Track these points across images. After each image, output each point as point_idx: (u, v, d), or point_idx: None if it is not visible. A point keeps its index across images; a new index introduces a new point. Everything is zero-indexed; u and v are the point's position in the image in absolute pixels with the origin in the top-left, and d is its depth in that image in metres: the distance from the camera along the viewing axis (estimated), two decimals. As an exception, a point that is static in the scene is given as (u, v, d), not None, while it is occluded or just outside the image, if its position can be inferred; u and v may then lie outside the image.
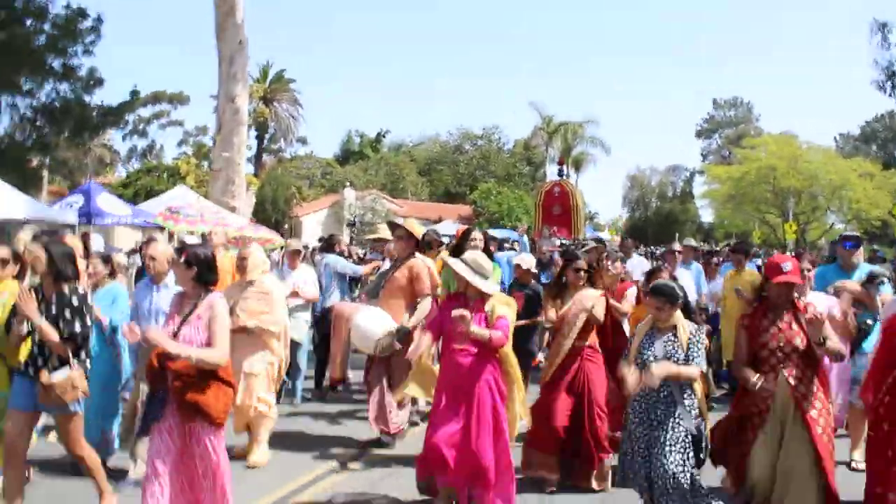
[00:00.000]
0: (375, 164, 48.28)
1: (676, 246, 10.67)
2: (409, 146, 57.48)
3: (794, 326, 4.97)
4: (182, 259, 4.67)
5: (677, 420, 4.97)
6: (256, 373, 6.79)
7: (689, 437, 4.99)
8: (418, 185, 47.66)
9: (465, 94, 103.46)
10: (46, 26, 21.88)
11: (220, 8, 17.40)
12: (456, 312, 5.15)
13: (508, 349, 5.53)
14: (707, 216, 57.80)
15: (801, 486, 4.80)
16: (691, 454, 4.95)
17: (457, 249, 7.01)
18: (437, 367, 6.01)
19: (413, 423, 7.76)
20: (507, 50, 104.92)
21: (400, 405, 7.23)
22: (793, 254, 11.51)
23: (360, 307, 7.37)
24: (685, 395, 5.02)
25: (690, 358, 4.97)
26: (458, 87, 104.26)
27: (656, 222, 61.59)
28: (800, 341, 4.92)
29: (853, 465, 6.53)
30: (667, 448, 4.90)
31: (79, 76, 22.33)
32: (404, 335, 6.82)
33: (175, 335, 4.50)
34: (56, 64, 21.94)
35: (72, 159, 30.89)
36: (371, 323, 6.86)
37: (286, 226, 35.41)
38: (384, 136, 58.07)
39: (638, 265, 10.92)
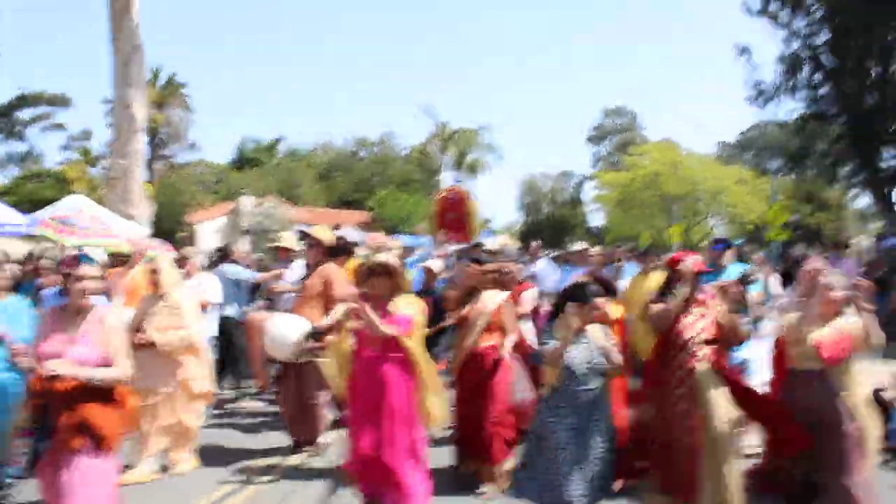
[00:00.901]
0: (271, 171, 47.86)
1: (578, 246, 10.84)
2: (305, 153, 57.18)
3: (705, 318, 5.32)
4: (75, 272, 4.54)
5: (600, 424, 5.22)
6: (172, 390, 6.74)
7: (611, 437, 5.28)
8: (315, 192, 47.49)
9: (360, 100, 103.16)
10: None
11: (114, 10, 16.98)
12: (359, 311, 5.34)
13: (417, 347, 5.55)
14: (597, 220, 59.64)
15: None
16: (611, 456, 5.25)
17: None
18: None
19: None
20: (401, 55, 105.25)
21: (317, 414, 7.31)
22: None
23: (271, 315, 7.34)
24: (606, 395, 5.34)
25: (610, 358, 5.30)
26: (352, 95, 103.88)
27: (549, 226, 63.08)
28: (710, 332, 5.28)
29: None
30: (601, 449, 5.16)
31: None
32: (318, 335, 6.74)
33: (57, 355, 4.27)
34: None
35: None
36: (284, 329, 6.81)
37: (180, 234, 34.70)
38: (279, 143, 57.68)
39: (546, 268, 10.98)
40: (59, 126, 46.75)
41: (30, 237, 17.51)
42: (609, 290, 6.39)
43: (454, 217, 11.28)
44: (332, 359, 6.08)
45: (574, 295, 5.45)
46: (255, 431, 8.54)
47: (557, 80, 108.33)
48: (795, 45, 24.05)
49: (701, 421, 5.11)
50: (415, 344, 5.51)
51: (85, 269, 4.59)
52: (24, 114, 41.98)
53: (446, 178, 53.28)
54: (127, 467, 6.26)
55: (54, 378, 4.19)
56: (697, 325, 5.31)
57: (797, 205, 40.80)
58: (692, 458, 5.08)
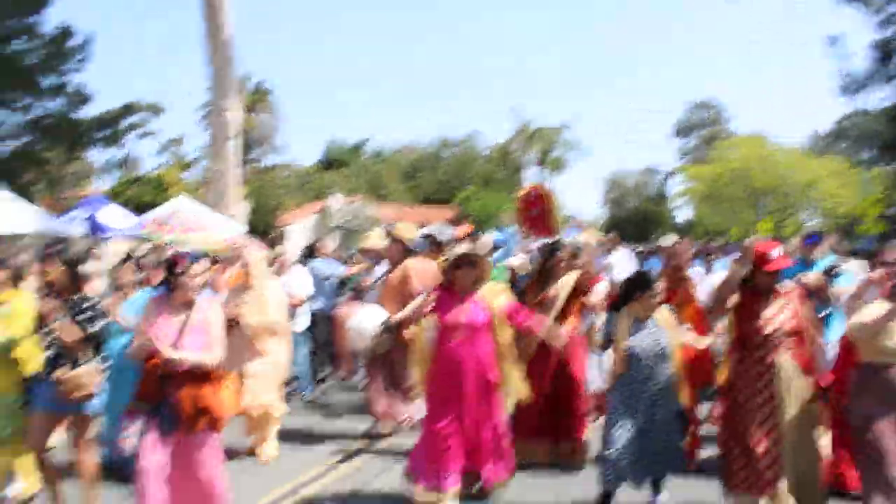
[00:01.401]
0: (357, 172, 48.90)
1: (669, 240, 10.96)
2: (390, 153, 58.24)
3: (787, 311, 5.23)
4: (181, 267, 4.87)
5: (664, 405, 5.39)
6: (258, 374, 6.98)
7: (676, 417, 5.45)
8: (400, 192, 48.34)
9: (446, 99, 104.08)
10: (37, 44, 22.40)
11: (209, 25, 17.89)
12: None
13: (508, 332, 5.72)
14: (684, 215, 58.73)
15: (809, 461, 5.06)
16: (678, 434, 5.46)
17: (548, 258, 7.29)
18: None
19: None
20: (485, 53, 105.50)
21: (407, 397, 7.49)
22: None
23: (358, 309, 7.67)
24: (672, 378, 5.45)
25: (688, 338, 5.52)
26: (438, 94, 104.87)
27: (634, 222, 62.41)
28: (791, 325, 5.19)
29: None
30: (658, 433, 5.32)
31: (69, 92, 22.84)
32: (391, 328, 7.08)
33: (174, 345, 4.69)
34: (47, 81, 22.46)
35: (53, 172, 31.27)
36: (364, 322, 7.20)
37: (272, 234, 35.79)
38: (365, 144, 58.68)
39: (621, 259, 11.15)
40: (153, 133, 49.07)
41: (138, 238, 18.52)
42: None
43: (537, 213, 11.37)
44: (413, 349, 6.20)
45: (636, 283, 5.59)
46: (338, 417, 8.93)
47: (642, 74, 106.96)
48: (889, 31, 23.30)
49: (781, 414, 5.08)
50: (505, 331, 5.69)
51: (195, 267, 4.96)
52: (124, 122, 43.81)
53: (530, 176, 53.54)
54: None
55: (172, 362, 4.59)
56: (778, 319, 5.21)
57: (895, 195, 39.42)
58: (772, 451, 5.05)
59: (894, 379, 4.85)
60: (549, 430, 6.60)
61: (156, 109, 48.01)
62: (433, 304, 5.73)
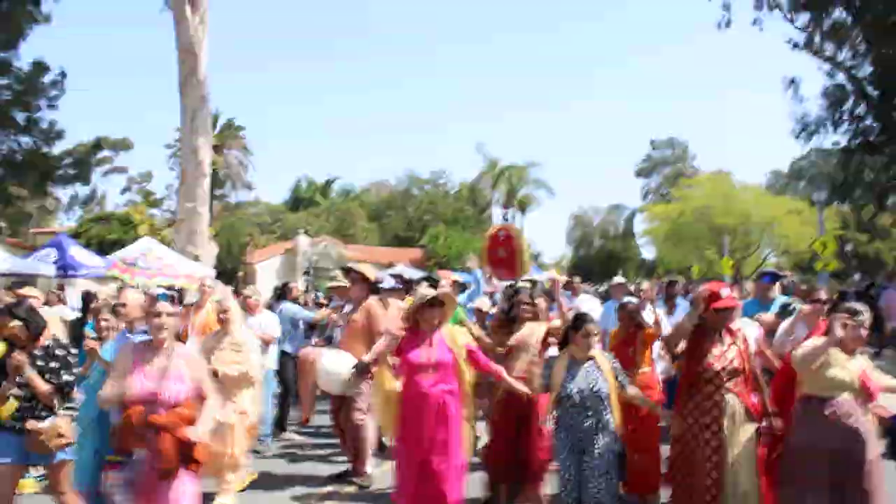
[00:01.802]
0: (326, 211, 49.13)
1: (617, 280, 11.14)
2: (358, 191, 58.54)
3: (734, 349, 5.44)
4: (166, 309, 4.73)
5: (601, 446, 5.38)
6: (231, 422, 6.87)
7: (613, 458, 5.44)
8: (368, 231, 48.63)
9: (410, 137, 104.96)
10: (9, 80, 22.48)
11: (184, 65, 18.07)
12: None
13: (470, 373, 5.83)
14: (649, 253, 59.55)
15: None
16: (615, 474, 5.46)
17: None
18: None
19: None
20: (450, 92, 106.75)
21: (363, 446, 7.57)
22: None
23: (322, 351, 7.67)
24: (608, 419, 5.46)
25: (623, 384, 5.56)
26: (403, 131, 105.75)
27: (599, 260, 62.92)
28: (738, 363, 5.40)
29: None
30: (596, 474, 5.31)
31: (41, 129, 22.92)
32: (362, 370, 7.11)
33: (152, 390, 4.56)
34: (20, 117, 22.52)
35: (22, 208, 30.93)
36: (336, 365, 7.23)
37: (240, 273, 35.84)
38: (333, 183, 58.94)
39: (586, 302, 11.38)
40: (122, 169, 48.74)
41: (102, 278, 18.47)
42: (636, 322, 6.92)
43: (505, 254, 11.42)
44: (378, 390, 6.20)
45: (572, 324, 5.69)
46: (299, 461, 8.85)
47: (607, 113, 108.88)
48: (840, 77, 24.21)
49: (723, 452, 5.29)
50: (467, 371, 5.81)
51: (163, 306, 4.74)
52: (94, 158, 43.54)
53: (496, 215, 54.15)
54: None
55: (152, 411, 4.47)
56: (727, 356, 5.43)
57: (852, 234, 40.47)
58: (714, 488, 5.26)
59: (832, 411, 5.07)
60: (511, 474, 6.58)
61: (125, 146, 47.89)
62: (398, 344, 5.81)
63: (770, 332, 7.20)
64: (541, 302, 7.17)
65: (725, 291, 5.60)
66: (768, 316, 7.67)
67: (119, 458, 4.73)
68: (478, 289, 10.15)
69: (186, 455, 4.49)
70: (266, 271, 36.40)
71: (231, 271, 33.28)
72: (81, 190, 46.66)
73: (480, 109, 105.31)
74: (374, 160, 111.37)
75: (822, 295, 7.06)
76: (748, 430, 5.39)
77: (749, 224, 40.12)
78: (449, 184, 55.32)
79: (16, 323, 5.27)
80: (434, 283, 8.12)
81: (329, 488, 7.55)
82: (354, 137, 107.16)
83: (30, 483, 6.29)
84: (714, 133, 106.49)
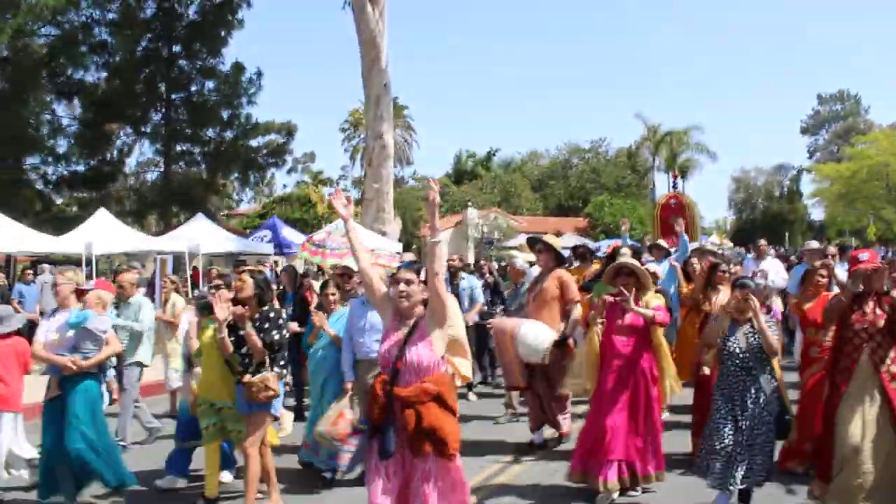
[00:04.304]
0: (490, 183, 50.61)
1: (830, 249, 10.93)
2: (519, 163, 59.48)
3: (878, 311, 5.48)
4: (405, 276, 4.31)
5: (763, 403, 5.56)
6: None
7: (773, 415, 5.62)
8: (532, 201, 49.57)
9: (572, 108, 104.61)
10: (213, 83, 25.28)
11: (367, 56, 19.39)
12: (619, 297, 6.01)
13: (661, 337, 6.40)
14: (817, 214, 57.33)
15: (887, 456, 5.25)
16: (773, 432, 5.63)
17: (609, 260, 7.69)
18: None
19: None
20: (606, 59, 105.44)
21: (563, 407, 7.88)
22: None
23: (518, 321, 7.75)
24: (770, 377, 5.63)
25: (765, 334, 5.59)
26: (560, 100, 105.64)
27: (763, 223, 61.06)
28: (881, 323, 5.43)
29: None
30: (756, 432, 5.50)
31: (242, 123, 25.49)
32: (564, 340, 7.48)
33: (400, 357, 4.11)
34: (225, 114, 25.20)
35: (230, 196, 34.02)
36: (537, 335, 7.40)
37: (414, 247, 37.54)
38: (494, 155, 59.71)
39: (772, 266, 11.24)
40: (289, 152, 51.35)
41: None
42: None
43: (675, 222, 11.04)
44: (582, 355, 6.63)
45: (739, 283, 5.84)
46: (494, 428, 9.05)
47: (767, 69, 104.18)
48: None
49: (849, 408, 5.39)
50: (659, 334, 6.36)
51: (410, 275, 4.28)
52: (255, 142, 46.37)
53: (659, 181, 53.70)
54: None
55: (396, 381, 4.08)
56: (869, 318, 5.50)
57: None
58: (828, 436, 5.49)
59: None
60: None
61: (290, 129, 50.54)
62: (607, 309, 6.27)
63: None
64: (735, 269, 7.59)
65: (864, 255, 5.73)
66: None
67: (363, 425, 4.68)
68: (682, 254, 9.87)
69: (434, 432, 4.02)
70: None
71: (408, 246, 34.83)
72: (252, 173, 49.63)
73: (639, 75, 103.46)
74: (534, 132, 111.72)
75: None
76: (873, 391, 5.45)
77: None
78: (609, 152, 55.38)
79: (251, 288, 5.90)
80: (637, 254, 8.34)
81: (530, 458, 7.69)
82: (511, 110, 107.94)
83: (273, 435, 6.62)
84: (888, 82, 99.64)
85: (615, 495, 6.06)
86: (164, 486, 6.61)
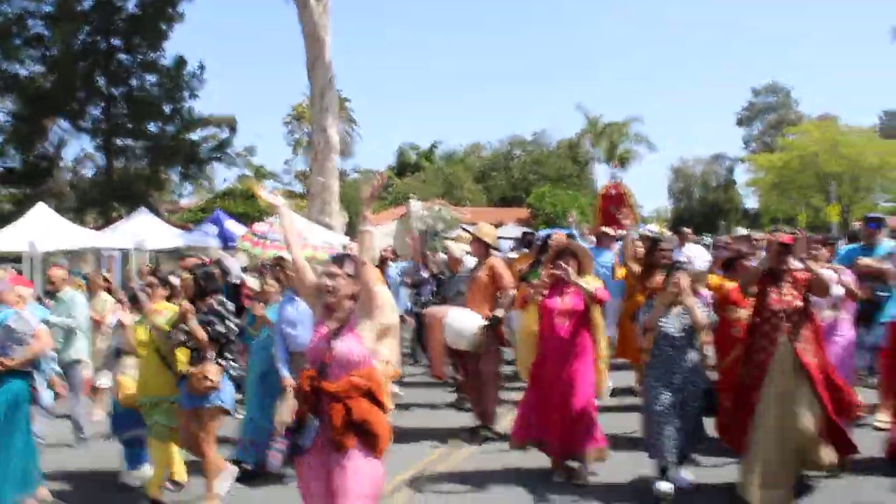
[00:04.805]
0: (433, 175, 50.80)
1: (740, 232, 11.58)
2: (461, 155, 59.68)
3: (794, 291, 5.71)
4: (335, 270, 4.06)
5: (695, 381, 5.82)
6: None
7: (701, 388, 5.88)
8: (475, 193, 49.92)
9: (511, 100, 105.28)
10: (155, 77, 24.96)
11: (310, 50, 19.58)
12: (560, 269, 6.15)
13: (600, 319, 6.73)
14: (751, 203, 58.79)
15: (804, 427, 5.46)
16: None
17: (543, 249, 8.20)
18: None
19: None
20: (547, 51, 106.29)
21: (494, 397, 7.95)
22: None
23: (447, 309, 8.02)
24: (697, 351, 5.91)
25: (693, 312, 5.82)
26: (501, 92, 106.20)
27: (701, 212, 62.42)
28: (799, 303, 5.69)
29: (876, 424, 7.12)
30: (693, 407, 5.78)
31: (185, 118, 25.26)
32: (495, 323, 7.64)
33: (328, 351, 3.91)
34: (167, 109, 24.95)
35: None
36: (462, 321, 7.59)
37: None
38: (437, 147, 59.87)
39: (695, 251, 11.41)
40: (231, 145, 50.77)
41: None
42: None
43: (616, 211, 11.62)
44: (519, 338, 6.97)
45: (676, 266, 6.15)
46: (435, 411, 9.47)
47: (705, 61, 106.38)
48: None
49: (766, 387, 5.62)
50: (597, 316, 6.68)
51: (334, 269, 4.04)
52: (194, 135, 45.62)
53: (598, 171, 54.55)
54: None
55: (324, 376, 3.89)
56: (786, 299, 5.72)
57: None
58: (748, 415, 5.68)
59: None
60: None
61: (230, 122, 50.01)
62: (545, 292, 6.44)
63: (867, 275, 7.47)
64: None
65: (785, 237, 6.01)
66: (867, 260, 7.79)
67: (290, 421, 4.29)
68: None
69: (362, 426, 3.86)
70: (382, 237, 38.02)
71: (350, 238, 34.61)
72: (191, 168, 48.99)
73: (577, 68, 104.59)
74: (474, 124, 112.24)
75: None
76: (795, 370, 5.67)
77: (859, 169, 39.17)
78: (551, 144, 56.02)
79: (189, 278, 6.09)
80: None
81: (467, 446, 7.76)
82: (452, 102, 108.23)
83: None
84: (819, 75, 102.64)
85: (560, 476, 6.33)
86: (132, 482, 6.65)
